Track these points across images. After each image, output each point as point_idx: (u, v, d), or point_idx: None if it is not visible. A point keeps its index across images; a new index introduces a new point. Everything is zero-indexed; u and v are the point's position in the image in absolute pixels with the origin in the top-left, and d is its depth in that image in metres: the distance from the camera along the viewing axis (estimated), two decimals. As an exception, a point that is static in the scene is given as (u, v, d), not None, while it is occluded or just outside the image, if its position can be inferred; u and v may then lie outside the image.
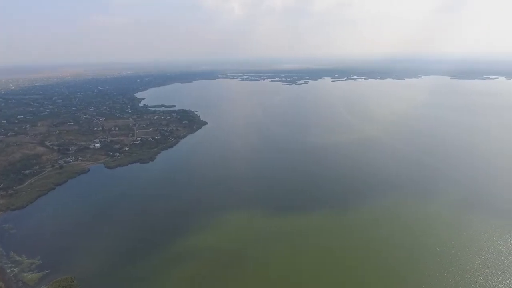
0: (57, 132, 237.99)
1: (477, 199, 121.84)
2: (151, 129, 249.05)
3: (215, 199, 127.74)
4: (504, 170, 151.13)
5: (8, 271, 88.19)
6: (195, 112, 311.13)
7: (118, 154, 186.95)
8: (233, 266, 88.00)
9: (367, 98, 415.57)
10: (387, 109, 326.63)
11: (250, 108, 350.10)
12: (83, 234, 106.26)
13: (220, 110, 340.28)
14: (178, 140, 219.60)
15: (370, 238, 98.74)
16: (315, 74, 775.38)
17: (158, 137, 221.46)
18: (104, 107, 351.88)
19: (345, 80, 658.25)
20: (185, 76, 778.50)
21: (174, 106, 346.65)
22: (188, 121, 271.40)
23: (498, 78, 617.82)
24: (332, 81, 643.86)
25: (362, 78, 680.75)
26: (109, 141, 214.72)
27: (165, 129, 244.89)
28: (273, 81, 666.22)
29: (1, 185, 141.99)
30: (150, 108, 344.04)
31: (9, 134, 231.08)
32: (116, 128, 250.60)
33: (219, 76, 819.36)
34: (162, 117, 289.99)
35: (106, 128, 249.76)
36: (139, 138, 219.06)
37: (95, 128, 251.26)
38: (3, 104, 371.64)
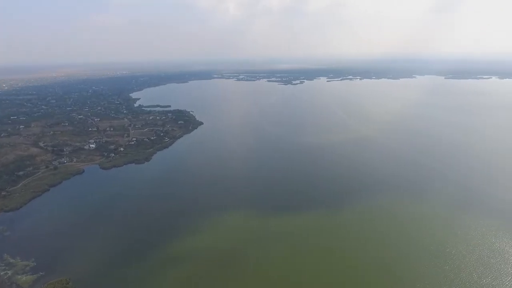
0: (51, 132, 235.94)
1: (472, 199, 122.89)
2: (146, 129, 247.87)
3: (211, 199, 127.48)
4: (498, 170, 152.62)
5: (1, 273, 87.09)
6: (191, 112, 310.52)
7: (113, 154, 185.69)
8: (229, 266, 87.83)
9: (361, 97, 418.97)
10: (381, 108, 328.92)
11: (245, 108, 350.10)
12: (78, 235, 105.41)
13: (216, 110, 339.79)
14: (173, 141, 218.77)
15: (366, 237, 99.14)
16: (310, 74, 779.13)
17: (154, 138, 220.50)
18: (99, 108, 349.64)
19: (341, 80, 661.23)
20: (181, 76, 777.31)
21: (170, 106, 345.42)
22: (184, 121, 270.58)
23: (491, 78, 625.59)
24: (327, 81, 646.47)
25: (357, 78, 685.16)
26: (104, 141, 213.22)
27: (161, 129, 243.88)
28: (268, 81, 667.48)
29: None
30: (145, 109, 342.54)
31: (2, 135, 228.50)
32: (111, 129, 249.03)
33: (215, 76, 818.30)
34: (158, 117, 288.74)
35: (101, 129, 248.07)
36: (135, 139, 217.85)
37: (90, 129, 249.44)
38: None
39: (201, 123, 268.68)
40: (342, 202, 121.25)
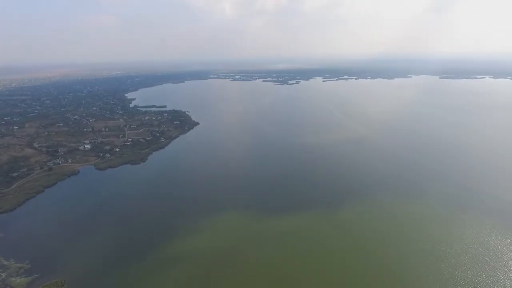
0: (46, 133, 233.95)
1: (469, 198, 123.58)
2: (142, 129, 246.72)
3: (208, 199, 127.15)
4: (496, 169, 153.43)
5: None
6: (187, 113, 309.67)
7: (109, 155, 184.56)
8: (228, 266, 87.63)
9: (356, 97, 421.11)
10: (375, 108, 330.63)
11: (241, 108, 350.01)
12: (73, 236, 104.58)
13: (212, 110, 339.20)
14: (169, 141, 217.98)
15: (365, 237, 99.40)
16: (306, 74, 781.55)
17: (149, 138, 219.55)
18: (94, 108, 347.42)
19: (336, 80, 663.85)
20: (176, 76, 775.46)
21: (165, 106, 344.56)
22: (180, 122, 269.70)
23: (485, 77, 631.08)
24: (323, 81, 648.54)
25: (353, 78, 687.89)
26: (99, 142, 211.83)
27: (156, 129, 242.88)
28: (264, 81, 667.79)
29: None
30: (141, 109, 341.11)
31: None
32: (107, 129, 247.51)
33: (211, 76, 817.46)
34: (153, 118, 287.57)
35: (96, 129, 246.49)
36: (130, 139, 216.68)
37: (85, 129, 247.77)
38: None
39: (197, 123, 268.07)
40: (341, 202, 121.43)
